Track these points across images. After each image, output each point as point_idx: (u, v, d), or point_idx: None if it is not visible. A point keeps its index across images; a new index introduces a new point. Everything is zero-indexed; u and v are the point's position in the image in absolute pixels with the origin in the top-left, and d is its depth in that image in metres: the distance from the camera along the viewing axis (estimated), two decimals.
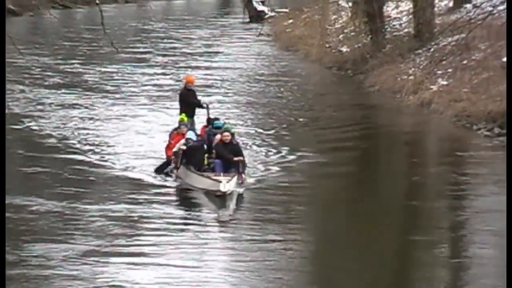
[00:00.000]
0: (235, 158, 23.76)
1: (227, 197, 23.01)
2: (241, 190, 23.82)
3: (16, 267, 19.26)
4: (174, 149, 24.94)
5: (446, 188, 26.84)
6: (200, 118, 28.08)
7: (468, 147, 31.75)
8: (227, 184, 22.75)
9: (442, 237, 22.63)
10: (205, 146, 25.06)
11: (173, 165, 24.97)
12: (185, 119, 26.41)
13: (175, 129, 26.33)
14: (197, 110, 27.78)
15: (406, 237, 22.73)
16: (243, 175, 24.12)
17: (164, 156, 26.23)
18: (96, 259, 19.66)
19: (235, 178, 23.48)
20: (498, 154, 29.56)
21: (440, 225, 23.66)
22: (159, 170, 25.34)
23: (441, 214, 24.75)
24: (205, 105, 27.81)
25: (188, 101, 27.39)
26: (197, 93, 28.77)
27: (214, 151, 24.61)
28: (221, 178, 23.16)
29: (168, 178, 25.13)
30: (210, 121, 26.51)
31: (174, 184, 24.87)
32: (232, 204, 23.07)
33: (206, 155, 24.82)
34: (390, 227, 23.53)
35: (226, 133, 24.31)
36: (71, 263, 19.53)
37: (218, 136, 24.63)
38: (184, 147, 24.32)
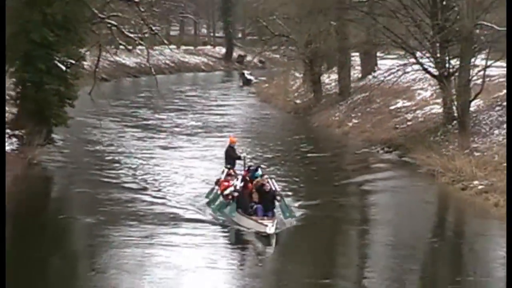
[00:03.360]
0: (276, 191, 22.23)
1: (271, 236, 20.33)
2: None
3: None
4: (227, 192, 22.95)
5: (357, 188, 28.34)
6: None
7: (370, 160, 33.69)
8: (272, 227, 20.51)
9: (353, 226, 23.25)
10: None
11: (225, 200, 22.85)
12: (230, 171, 25.15)
13: (225, 174, 24.76)
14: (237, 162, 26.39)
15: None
16: (277, 217, 21.78)
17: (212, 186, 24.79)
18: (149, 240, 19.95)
19: (275, 222, 21.10)
20: (388, 165, 31.97)
21: (353, 217, 24.27)
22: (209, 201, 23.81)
23: (353, 207, 25.58)
24: (242, 157, 26.43)
25: (231, 155, 26.32)
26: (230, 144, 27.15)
27: (255, 196, 22.32)
28: (266, 222, 20.87)
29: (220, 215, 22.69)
30: (249, 170, 24.65)
31: (226, 223, 22.13)
32: (274, 242, 20.24)
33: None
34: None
35: (267, 184, 22.41)
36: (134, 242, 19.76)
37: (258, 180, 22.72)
38: (236, 194, 22.17)
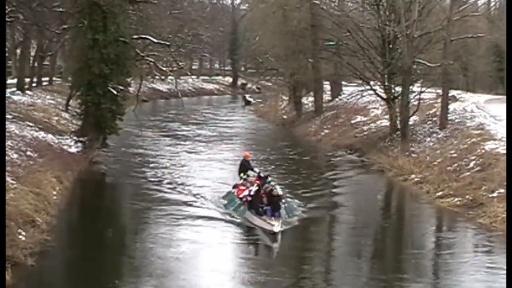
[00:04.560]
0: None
1: (276, 234, 17.77)
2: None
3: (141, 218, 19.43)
4: (242, 195, 20.46)
5: (327, 180, 27.08)
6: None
7: (337, 159, 32.94)
8: (278, 227, 18.16)
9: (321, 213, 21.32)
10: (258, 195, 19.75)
11: (241, 202, 20.35)
12: (244, 176, 22.49)
13: (242, 180, 22.22)
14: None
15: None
16: (282, 217, 19.19)
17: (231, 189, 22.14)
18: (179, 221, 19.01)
19: (281, 222, 18.58)
20: (350, 163, 31.10)
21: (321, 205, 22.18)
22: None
23: (324, 195, 23.73)
24: (256, 169, 23.86)
25: (245, 167, 23.66)
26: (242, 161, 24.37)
27: (265, 199, 19.60)
28: (273, 222, 18.44)
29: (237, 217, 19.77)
30: (261, 177, 21.72)
31: (241, 221, 19.44)
32: (279, 238, 17.78)
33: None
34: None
35: (275, 190, 20.04)
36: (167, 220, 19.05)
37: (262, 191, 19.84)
38: (250, 198, 19.74)
